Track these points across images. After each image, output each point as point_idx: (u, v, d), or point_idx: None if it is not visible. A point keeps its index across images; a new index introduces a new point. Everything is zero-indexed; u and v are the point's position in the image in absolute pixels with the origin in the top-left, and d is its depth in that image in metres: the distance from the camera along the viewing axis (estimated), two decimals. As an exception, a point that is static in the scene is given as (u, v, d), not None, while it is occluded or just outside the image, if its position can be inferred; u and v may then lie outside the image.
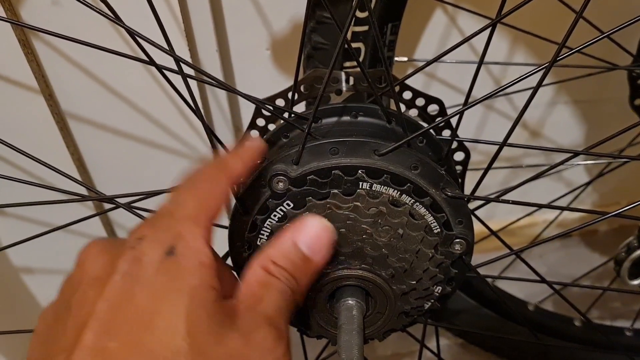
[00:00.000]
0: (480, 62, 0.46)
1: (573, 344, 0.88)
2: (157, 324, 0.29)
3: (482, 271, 0.51)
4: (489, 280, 0.90)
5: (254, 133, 0.53)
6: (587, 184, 0.90)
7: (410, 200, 0.44)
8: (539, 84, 0.43)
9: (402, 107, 0.53)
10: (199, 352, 0.28)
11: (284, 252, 0.38)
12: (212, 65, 0.72)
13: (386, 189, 0.43)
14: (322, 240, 0.40)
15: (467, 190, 0.49)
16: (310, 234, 0.39)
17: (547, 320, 0.91)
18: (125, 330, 0.29)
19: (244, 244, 0.48)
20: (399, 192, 0.43)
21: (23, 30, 0.62)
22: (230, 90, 0.46)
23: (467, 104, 0.46)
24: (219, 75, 0.73)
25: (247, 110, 0.80)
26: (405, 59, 0.74)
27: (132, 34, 0.44)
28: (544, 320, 0.90)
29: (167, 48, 0.44)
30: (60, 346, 0.29)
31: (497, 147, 0.47)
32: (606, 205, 1.16)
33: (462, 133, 0.51)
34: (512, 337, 0.89)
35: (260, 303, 0.34)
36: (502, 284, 0.92)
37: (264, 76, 0.77)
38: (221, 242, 0.50)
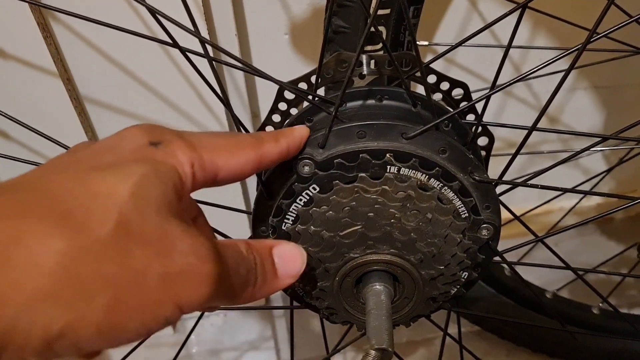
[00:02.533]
0: (509, 47, 0.45)
1: (599, 333, 0.88)
2: (112, 169, 0.29)
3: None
4: (506, 266, 0.89)
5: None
6: (609, 170, 0.89)
7: (438, 185, 0.43)
8: (571, 67, 0.42)
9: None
10: (136, 209, 0.28)
11: (257, 244, 0.37)
12: (230, 50, 0.71)
13: (414, 173, 0.43)
14: (295, 259, 0.39)
15: (490, 176, 0.49)
16: (287, 249, 0.38)
17: (566, 307, 0.90)
18: (76, 167, 0.30)
19: (268, 229, 0.47)
20: (427, 176, 0.43)
21: (42, 13, 0.61)
22: (260, 74, 0.45)
23: (494, 88, 0.46)
24: (237, 60, 0.72)
25: (264, 96, 0.79)
26: (426, 43, 0.73)
27: (155, 13, 0.43)
28: (562, 307, 0.90)
29: (192, 29, 0.43)
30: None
31: (522, 131, 0.47)
32: (623, 192, 1.15)
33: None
34: (535, 324, 0.89)
35: (215, 242, 0.33)
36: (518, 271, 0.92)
37: (282, 61, 0.76)
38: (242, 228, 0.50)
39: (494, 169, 0.51)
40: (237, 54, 0.71)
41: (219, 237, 0.53)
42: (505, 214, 0.48)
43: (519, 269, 0.55)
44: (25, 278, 0.24)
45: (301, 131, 0.43)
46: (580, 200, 1.01)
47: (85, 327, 0.25)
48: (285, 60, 0.76)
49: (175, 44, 0.44)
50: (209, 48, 0.45)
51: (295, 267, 0.38)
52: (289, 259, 0.38)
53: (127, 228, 0.27)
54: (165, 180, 0.30)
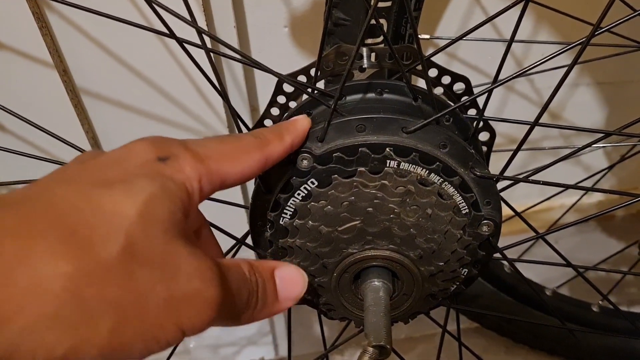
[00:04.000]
0: (511, 41, 0.44)
1: (599, 330, 0.87)
2: (119, 187, 0.28)
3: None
4: (506, 263, 0.89)
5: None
6: (610, 167, 0.88)
7: (438, 180, 0.43)
8: (574, 62, 0.42)
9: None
10: (143, 230, 0.27)
11: (260, 265, 0.37)
12: (229, 42, 0.70)
13: (414, 168, 0.42)
14: (297, 282, 0.38)
15: (491, 172, 0.48)
16: (289, 272, 0.38)
17: (565, 305, 0.90)
18: (82, 180, 0.29)
19: (266, 223, 0.47)
20: (427, 171, 0.42)
21: (37, 2, 0.60)
22: (258, 66, 0.44)
23: (495, 82, 0.45)
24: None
25: (263, 89, 0.79)
26: (428, 36, 0.73)
27: (151, 2, 0.42)
28: (561, 305, 0.90)
29: (189, 19, 0.42)
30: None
31: (523, 127, 0.46)
32: (624, 190, 1.14)
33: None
34: (534, 322, 0.88)
35: (220, 261, 0.32)
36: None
37: (282, 54, 0.75)
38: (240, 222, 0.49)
39: (495, 165, 0.50)
40: (235, 46, 0.71)
41: (217, 235, 0.52)
42: (505, 211, 0.47)
43: (519, 265, 0.55)
44: (30, 300, 0.24)
45: (303, 123, 0.42)
46: (582, 197, 1.00)
47: (89, 350, 0.25)
48: (285, 53, 0.76)
49: (171, 35, 0.44)
50: (207, 39, 0.44)
51: (297, 290, 0.38)
52: (291, 282, 0.38)
53: (133, 250, 0.27)
54: (173, 199, 0.30)
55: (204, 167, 0.33)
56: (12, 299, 0.23)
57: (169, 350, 0.62)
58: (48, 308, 0.24)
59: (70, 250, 0.25)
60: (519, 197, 1.05)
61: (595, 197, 1.12)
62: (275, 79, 0.48)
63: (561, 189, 0.90)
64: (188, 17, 0.42)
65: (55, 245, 0.25)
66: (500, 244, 0.48)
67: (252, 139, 0.37)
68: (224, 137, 0.37)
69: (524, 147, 0.46)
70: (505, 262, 0.87)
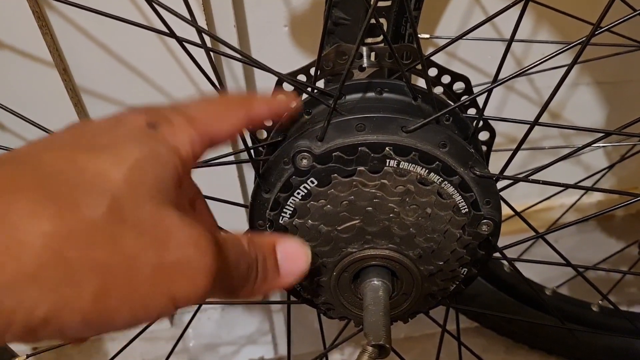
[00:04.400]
0: (511, 40, 0.44)
1: (598, 330, 0.87)
2: (106, 152, 0.27)
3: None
4: (506, 262, 0.89)
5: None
6: (610, 167, 0.88)
7: (438, 179, 0.43)
8: (574, 61, 0.42)
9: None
10: (130, 195, 0.26)
11: (260, 239, 0.36)
12: (229, 41, 0.70)
13: (414, 167, 0.42)
14: (299, 257, 0.37)
15: (491, 171, 0.48)
16: (291, 246, 0.37)
17: (565, 305, 0.90)
18: (70, 146, 0.28)
19: (266, 223, 0.47)
20: (427, 170, 0.42)
21: (37, 1, 0.60)
22: (258, 65, 0.44)
23: (495, 82, 0.45)
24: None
25: (263, 88, 0.79)
26: (427, 35, 0.73)
27: (152, 1, 0.42)
28: (561, 305, 0.89)
29: (189, 18, 0.42)
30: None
31: (523, 126, 0.46)
32: (624, 189, 1.14)
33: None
34: (534, 321, 0.88)
35: (215, 232, 0.31)
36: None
37: (281, 53, 0.75)
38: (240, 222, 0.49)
39: (495, 164, 0.51)
40: (235, 45, 0.71)
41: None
42: (505, 210, 0.47)
43: (519, 265, 0.55)
44: (9, 258, 0.23)
45: (284, 96, 0.41)
46: (581, 196, 1.00)
47: (71, 314, 0.24)
48: (285, 53, 0.76)
49: (171, 34, 0.44)
50: (207, 38, 0.44)
51: (299, 266, 0.37)
52: (293, 257, 0.37)
53: (120, 213, 0.26)
54: (164, 164, 0.29)
55: (195, 130, 0.32)
56: None
57: (168, 348, 0.62)
58: (28, 267, 0.23)
59: (53, 210, 0.24)
60: (518, 196, 1.05)
61: (595, 197, 1.12)
62: (275, 78, 0.48)
63: (561, 188, 0.90)
64: (188, 16, 0.42)
65: (38, 204, 0.24)
66: (500, 244, 0.48)
67: (235, 97, 0.37)
68: (209, 99, 0.36)
69: (523, 146, 0.46)
70: (505, 262, 0.87)
